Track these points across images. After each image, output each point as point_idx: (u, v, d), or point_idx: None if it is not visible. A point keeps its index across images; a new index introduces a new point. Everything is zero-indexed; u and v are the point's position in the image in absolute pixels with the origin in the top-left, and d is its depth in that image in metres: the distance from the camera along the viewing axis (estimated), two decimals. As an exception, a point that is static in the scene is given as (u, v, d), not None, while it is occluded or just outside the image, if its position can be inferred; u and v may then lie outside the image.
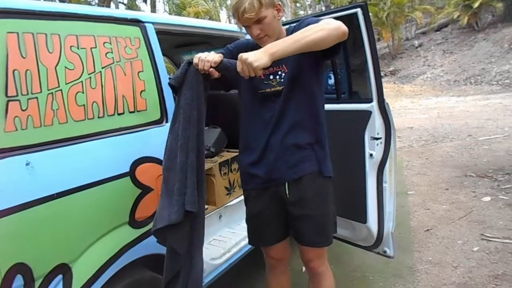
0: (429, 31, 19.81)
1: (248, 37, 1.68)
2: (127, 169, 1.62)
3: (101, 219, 1.52)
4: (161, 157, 1.77)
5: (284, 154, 1.59)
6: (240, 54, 1.33)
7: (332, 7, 17.67)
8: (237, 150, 2.82)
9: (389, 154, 2.04)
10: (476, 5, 16.12)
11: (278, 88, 1.57)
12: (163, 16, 2.08)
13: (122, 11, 1.90)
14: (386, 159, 2.03)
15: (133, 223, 1.64)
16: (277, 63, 1.48)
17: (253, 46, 1.66)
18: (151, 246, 1.72)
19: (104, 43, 1.65)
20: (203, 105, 1.56)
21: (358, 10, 1.84)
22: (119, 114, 1.65)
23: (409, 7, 19.14)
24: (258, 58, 1.30)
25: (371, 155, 2.04)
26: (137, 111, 1.74)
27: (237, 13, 1.45)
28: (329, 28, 1.32)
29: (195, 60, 1.47)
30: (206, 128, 2.86)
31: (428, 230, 3.29)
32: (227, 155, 2.74)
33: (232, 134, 2.85)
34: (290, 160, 1.59)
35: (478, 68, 14.90)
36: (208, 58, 1.43)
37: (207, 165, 2.51)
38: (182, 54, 4.00)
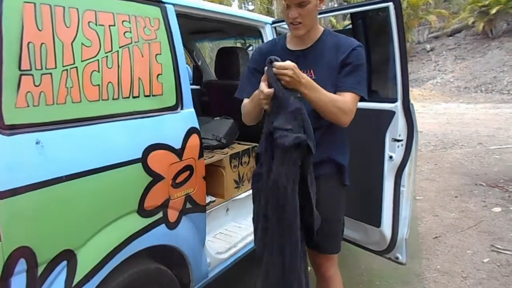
0: (441, 36, 19.56)
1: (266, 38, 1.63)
2: (139, 155, 1.54)
3: (110, 205, 1.45)
4: (175, 145, 1.71)
5: None
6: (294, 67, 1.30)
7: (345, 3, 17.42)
8: (249, 143, 2.77)
9: (409, 158, 1.96)
10: (493, 11, 15.87)
11: None
12: (185, -1, 1.98)
13: (143, -10, 1.81)
14: (406, 162, 1.95)
15: (142, 212, 1.57)
16: (305, 66, 1.47)
17: (282, 46, 1.59)
18: (158, 236, 1.66)
19: (123, 21, 1.57)
20: None
21: (390, 4, 1.75)
22: (134, 97, 1.58)
23: (423, 10, 18.88)
24: (301, 81, 1.31)
25: (390, 157, 1.96)
26: (153, 95, 1.66)
27: None
28: (342, 111, 1.41)
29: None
30: (218, 118, 2.79)
31: (436, 237, 3.22)
32: (238, 147, 2.66)
33: (244, 126, 2.77)
34: None
35: (489, 76, 14.71)
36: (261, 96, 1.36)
37: (217, 157, 2.44)
38: (196, 41, 3.92)
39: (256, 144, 2.76)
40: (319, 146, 1.47)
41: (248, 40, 3.78)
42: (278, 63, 1.29)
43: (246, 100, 1.59)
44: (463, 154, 5.86)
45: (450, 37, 19.15)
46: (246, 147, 2.67)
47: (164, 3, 1.78)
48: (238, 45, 4.97)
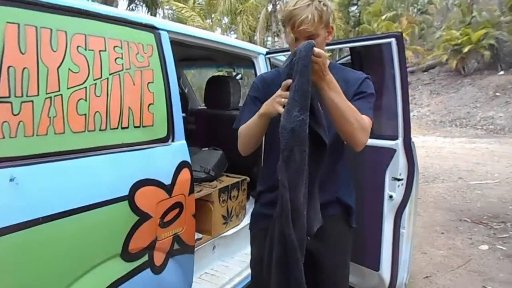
0: (417, 71, 20.29)
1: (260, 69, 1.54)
2: (126, 192, 1.40)
3: (91, 250, 1.29)
4: (164, 180, 1.58)
5: None
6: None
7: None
8: (238, 176, 2.65)
9: (410, 198, 1.88)
10: (465, 50, 16.64)
11: None
12: (179, 25, 1.90)
13: (137, 14, 1.72)
14: (406, 202, 1.87)
15: (126, 255, 1.41)
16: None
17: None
18: (143, 283, 1.49)
19: (115, 47, 1.46)
20: None
21: (393, 40, 1.71)
22: (123, 128, 1.45)
23: (400, 46, 19.59)
24: (325, 75, 1.20)
25: (390, 196, 1.88)
26: (143, 126, 1.54)
27: (292, 22, 1.29)
28: (361, 126, 1.27)
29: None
30: (207, 149, 2.67)
31: (427, 277, 3.12)
32: (227, 180, 2.53)
33: (233, 157, 2.66)
34: None
35: (463, 112, 15.22)
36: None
37: (205, 191, 2.30)
38: (183, 68, 3.83)
39: (246, 177, 2.65)
40: (324, 185, 1.37)
41: (237, 69, 3.73)
42: (317, 49, 1.16)
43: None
44: (445, 188, 5.89)
45: (425, 73, 19.89)
46: (236, 180, 2.55)
47: (158, 29, 1.69)
48: (224, 73, 4.92)
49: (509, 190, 5.58)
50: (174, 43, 1.80)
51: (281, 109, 1.19)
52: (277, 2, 17.48)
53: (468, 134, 13.09)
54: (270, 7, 17.69)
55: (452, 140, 11.77)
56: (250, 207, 2.76)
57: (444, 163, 7.88)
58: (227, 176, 2.63)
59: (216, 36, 2.16)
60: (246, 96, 1.57)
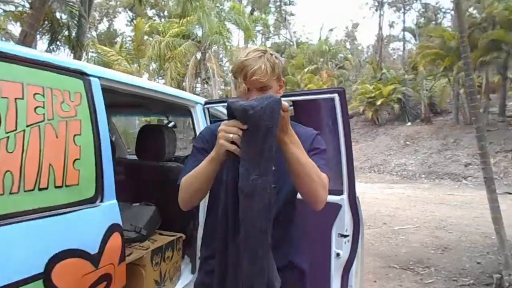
0: (337, 120, 21.74)
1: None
2: (40, 269, 1.15)
3: None
4: (90, 249, 1.33)
5: None
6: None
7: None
8: (173, 233, 2.42)
9: (356, 254, 1.83)
10: (378, 102, 18.34)
11: None
12: (112, 71, 1.74)
13: (64, 59, 1.53)
14: (353, 259, 1.82)
15: None
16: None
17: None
18: None
19: (35, 94, 1.26)
20: None
21: (335, 95, 1.73)
22: (40, 190, 1.21)
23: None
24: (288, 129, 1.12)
25: (338, 254, 1.81)
26: (66, 186, 1.31)
27: (244, 72, 1.22)
28: (323, 184, 1.20)
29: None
30: (137, 204, 2.42)
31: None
32: (161, 239, 2.29)
33: (167, 212, 2.44)
34: None
35: (380, 159, 16.45)
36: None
37: (136, 253, 2.04)
38: (111, 115, 3.58)
39: (181, 235, 2.43)
40: (277, 248, 1.25)
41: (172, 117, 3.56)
42: (284, 103, 1.07)
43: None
44: (372, 234, 6.09)
45: (345, 122, 21.37)
46: (170, 239, 2.32)
47: (88, 75, 1.52)
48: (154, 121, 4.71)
49: (428, 234, 5.95)
50: (105, 89, 1.62)
51: (229, 146, 1.07)
52: (207, 51, 17.87)
53: (386, 179, 14.06)
54: (199, 55, 18.00)
55: (372, 186, 12.50)
56: (185, 267, 2.52)
57: (368, 208, 8.24)
58: (160, 234, 2.38)
59: (154, 84, 2.02)
60: (192, 148, 1.43)
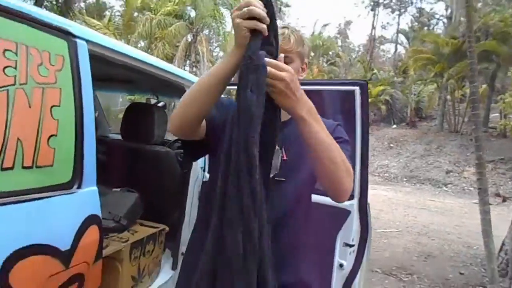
0: (324, 117, 21.71)
1: None
2: (-5, 270, 0.91)
3: None
4: (60, 245, 1.11)
5: None
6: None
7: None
8: (156, 225, 2.20)
9: (360, 267, 1.66)
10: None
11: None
12: (105, 36, 1.50)
13: (46, 12, 1.27)
14: (357, 271, 1.64)
15: None
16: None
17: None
18: None
19: (6, 50, 1.01)
20: None
21: (356, 88, 1.53)
22: (3, 170, 0.98)
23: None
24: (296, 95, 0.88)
25: (341, 265, 1.63)
26: (37, 167, 1.08)
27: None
28: (350, 174, 1.00)
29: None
30: (118, 190, 2.18)
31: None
32: (142, 231, 2.06)
33: (150, 200, 2.21)
34: None
35: (363, 158, 16.51)
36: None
37: (113, 246, 1.81)
38: (95, 89, 3.28)
39: (164, 227, 2.21)
40: (285, 260, 1.06)
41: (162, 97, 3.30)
42: (273, 61, 0.86)
43: None
44: (354, 235, 6.01)
45: (331, 119, 21.37)
46: (152, 231, 2.09)
47: (75, 36, 1.27)
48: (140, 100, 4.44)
49: (411, 240, 5.89)
50: (92, 56, 1.38)
51: (249, 23, 0.84)
52: (199, 33, 17.43)
53: (370, 180, 14.08)
54: (190, 38, 17.54)
55: (354, 185, 12.49)
56: (165, 262, 2.30)
57: (350, 208, 8.20)
58: (141, 225, 2.15)
59: (150, 57, 1.77)
60: None
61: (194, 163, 2.29)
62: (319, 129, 0.92)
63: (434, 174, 13.50)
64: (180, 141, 1.25)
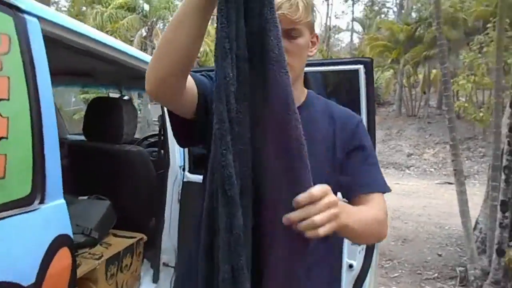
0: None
1: None
2: None
3: None
4: (21, 279, 0.85)
5: None
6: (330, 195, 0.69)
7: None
8: (131, 234, 1.94)
9: (370, 266, 1.51)
10: (327, 91, 18.61)
11: None
12: (58, 13, 1.22)
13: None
14: (367, 271, 1.49)
15: None
16: None
17: None
18: None
19: None
20: None
21: (360, 67, 1.36)
22: None
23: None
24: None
25: (350, 266, 1.47)
26: (-18, 181, 0.81)
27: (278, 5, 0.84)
28: (383, 225, 0.89)
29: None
30: (86, 198, 1.90)
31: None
32: (117, 243, 1.80)
33: (124, 206, 1.94)
34: None
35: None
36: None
37: (86, 265, 1.54)
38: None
39: (142, 236, 1.95)
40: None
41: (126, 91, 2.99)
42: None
43: None
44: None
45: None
46: (129, 242, 1.84)
47: (22, 12, 1.00)
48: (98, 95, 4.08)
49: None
50: (48, 40, 1.11)
51: None
52: (154, 26, 16.78)
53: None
54: (144, 31, 16.84)
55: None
56: (145, 275, 2.05)
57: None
58: (115, 235, 1.88)
59: (119, 42, 1.51)
60: None
61: (171, 162, 2.06)
62: (356, 219, 0.79)
63: (396, 158, 13.89)
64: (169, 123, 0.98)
